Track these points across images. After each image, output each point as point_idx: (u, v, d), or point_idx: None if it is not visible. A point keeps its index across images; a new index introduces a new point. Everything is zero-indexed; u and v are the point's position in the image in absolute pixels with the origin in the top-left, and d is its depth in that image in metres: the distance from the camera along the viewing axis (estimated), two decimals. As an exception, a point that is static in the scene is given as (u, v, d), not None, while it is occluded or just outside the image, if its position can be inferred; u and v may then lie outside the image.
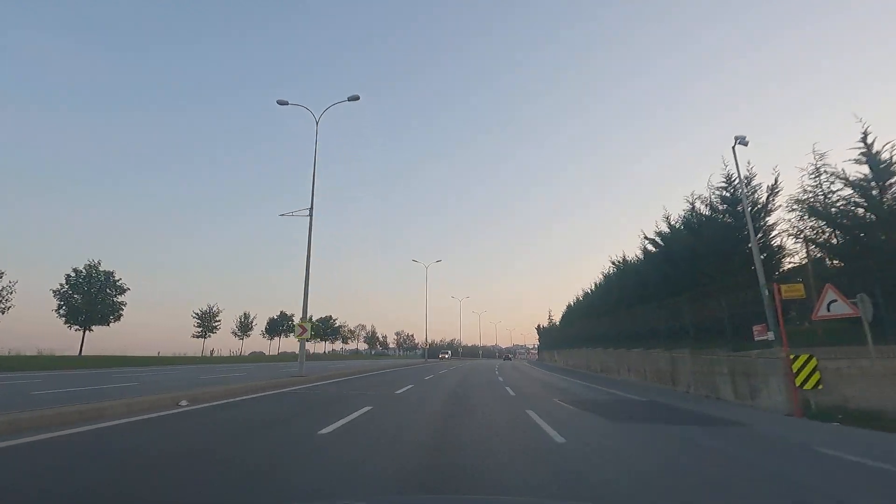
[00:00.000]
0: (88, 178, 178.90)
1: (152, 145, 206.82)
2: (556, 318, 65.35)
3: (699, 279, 14.18)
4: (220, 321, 59.61)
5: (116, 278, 40.58)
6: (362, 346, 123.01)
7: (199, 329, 58.67)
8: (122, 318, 39.74)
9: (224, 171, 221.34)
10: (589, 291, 34.33)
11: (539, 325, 74.63)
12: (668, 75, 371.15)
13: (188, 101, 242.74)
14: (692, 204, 15.60)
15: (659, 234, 18.07)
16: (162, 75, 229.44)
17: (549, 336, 60.01)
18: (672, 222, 17.23)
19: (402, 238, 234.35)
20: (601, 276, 30.13)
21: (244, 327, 69.29)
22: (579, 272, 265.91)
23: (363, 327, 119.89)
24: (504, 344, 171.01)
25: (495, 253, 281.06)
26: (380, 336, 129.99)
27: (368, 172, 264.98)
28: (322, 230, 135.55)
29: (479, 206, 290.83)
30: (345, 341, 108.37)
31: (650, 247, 19.82)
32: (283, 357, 58.91)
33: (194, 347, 61.62)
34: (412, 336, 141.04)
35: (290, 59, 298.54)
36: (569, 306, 43.23)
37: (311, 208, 17.35)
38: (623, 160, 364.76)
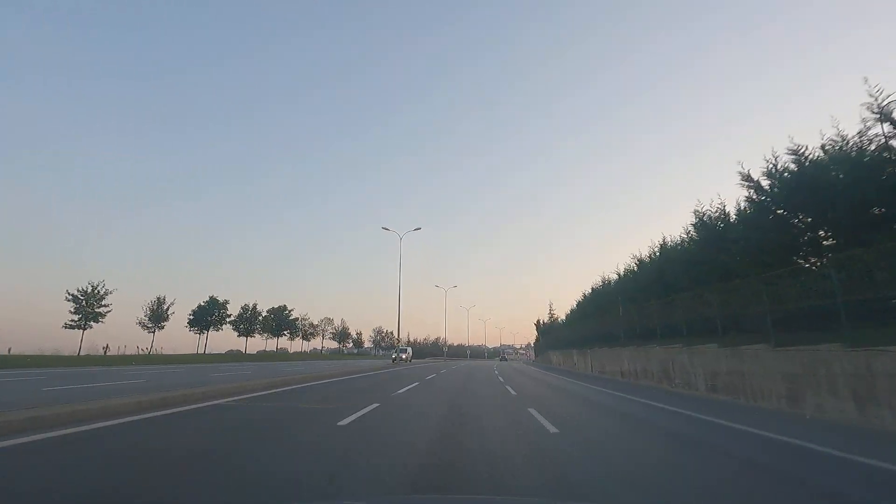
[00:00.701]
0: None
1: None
2: (559, 314, 54.95)
3: None
4: (108, 306, 42.79)
5: None
6: (329, 343, 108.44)
7: (78, 317, 41.12)
8: None
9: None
10: (635, 267, 22.97)
11: (539, 321, 64.53)
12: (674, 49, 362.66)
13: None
14: None
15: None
16: None
17: (553, 334, 49.11)
18: None
19: (384, 232, 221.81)
20: (678, 234, 18.80)
21: (157, 317, 52.09)
22: (577, 269, 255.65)
23: (330, 321, 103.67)
24: (492, 343, 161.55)
25: (485, 249, 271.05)
26: (353, 333, 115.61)
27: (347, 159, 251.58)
28: (305, 222, 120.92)
29: (468, 190, 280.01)
30: (305, 337, 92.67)
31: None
32: (184, 358, 40.54)
33: (73, 342, 45.23)
34: (391, 333, 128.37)
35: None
36: (591, 291, 31.87)
37: None
38: (623, 138, 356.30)
